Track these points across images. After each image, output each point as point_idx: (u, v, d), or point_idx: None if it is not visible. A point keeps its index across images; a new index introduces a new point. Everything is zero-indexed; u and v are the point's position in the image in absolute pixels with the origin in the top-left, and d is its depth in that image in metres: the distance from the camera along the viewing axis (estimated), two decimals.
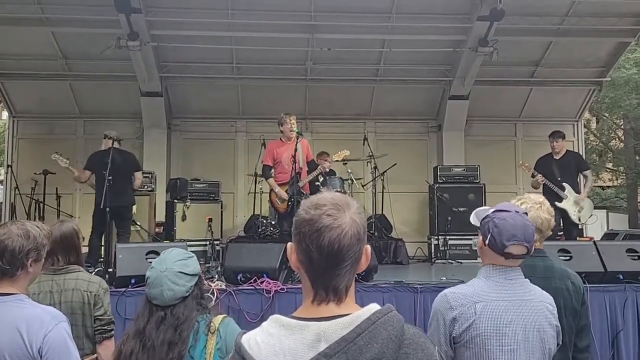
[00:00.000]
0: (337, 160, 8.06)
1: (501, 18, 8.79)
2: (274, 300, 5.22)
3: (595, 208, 8.90)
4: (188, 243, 6.42)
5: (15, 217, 9.62)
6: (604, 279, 5.44)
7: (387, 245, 8.77)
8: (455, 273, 6.84)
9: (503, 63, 9.97)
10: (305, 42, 9.83)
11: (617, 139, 22.56)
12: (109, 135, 7.39)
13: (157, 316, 2.45)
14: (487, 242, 2.45)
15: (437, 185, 9.49)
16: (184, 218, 9.05)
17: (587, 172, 8.36)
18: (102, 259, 7.16)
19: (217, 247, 9.05)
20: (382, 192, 9.47)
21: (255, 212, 9.47)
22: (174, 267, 2.50)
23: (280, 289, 5.26)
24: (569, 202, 7.92)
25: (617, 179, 23.62)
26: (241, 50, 10.16)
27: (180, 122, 11.20)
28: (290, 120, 7.75)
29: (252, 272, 5.43)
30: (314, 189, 7.87)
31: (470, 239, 8.73)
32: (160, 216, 9.53)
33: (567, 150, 8.49)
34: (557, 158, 8.18)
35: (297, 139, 7.70)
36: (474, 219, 2.60)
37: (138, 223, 8.66)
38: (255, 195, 9.42)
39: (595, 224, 9.53)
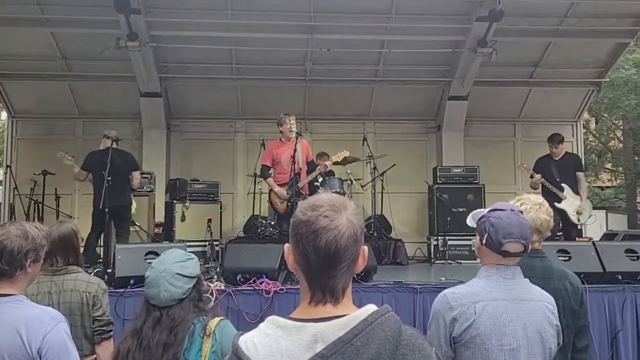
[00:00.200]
0: (336, 162, 8.07)
1: (500, 19, 8.80)
2: (273, 301, 5.22)
3: (594, 208, 8.92)
4: (187, 243, 6.41)
5: (14, 218, 9.62)
6: (603, 279, 5.44)
7: (387, 246, 8.78)
8: (454, 273, 6.85)
9: (502, 64, 9.98)
10: (304, 42, 9.83)
11: (616, 139, 22.59)
12: (108, 135, 7.36)
13: (153, 316, 2.46)
14: (484, 241, 2.45)
15: (437, 186, 9.49)
16: (183, 218, 9.05)
17: (580, 174, 8.30)
18: (101, 260, 7.17)
19: (217, 248, 9.06)
20: (382, 192, 9.47)
21: (255, 213, 9.47)
22: (172, 268, 2.51)
23: (279, 290, 5.25)
24: (567, 203, 7.93)
25: (616, 180, 23.64)
26: (240, 51, 10.16)
27: (180, 123, 11.20)
28: (290, 120, 7.75)
29: (252, 272, 5.43)
30: (314, 190, 7.87)
31: (470, 240, 8.73)
32: (160, 217, 9.54)
33: (566, 151, 8.50)
34: (556, 159, 8.19)
35: (297, 139, 7.70)
36: (470, 221, 2.61)
37: (137, 224, 8.66)
38: (254, 195, 9.43)
39: (594, 225, 9.53)
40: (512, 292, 2.41)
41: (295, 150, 7.53)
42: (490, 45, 9.36)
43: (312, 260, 1.40)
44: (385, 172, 9.37)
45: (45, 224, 2.81)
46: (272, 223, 8.91)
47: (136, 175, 7.54)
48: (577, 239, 7.90)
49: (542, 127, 10.65)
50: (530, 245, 2.49)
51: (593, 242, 6.06)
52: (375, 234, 8.95)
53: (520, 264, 2.49)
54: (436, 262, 8.95)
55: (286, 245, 1.48)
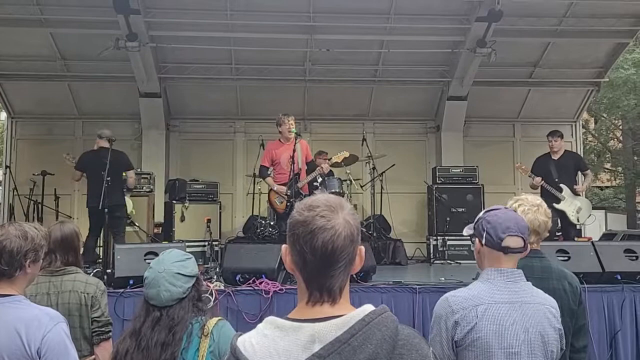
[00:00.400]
0: (336, 162, 8.08)
1: (499, 19, 8.82)
2: (273, 301, 5.22)
3: (593, 208, 8.92)
4: (187, 244, 6.41)
5: (14, 218, 9.62)
6: (602, 279, 5.44)
7: (386, 246, 8.78)
8: (453, 273, 6.86)
9: (501, 64, 9.99)
10: (304, 43, 9.84)
11: (615, 139, 22.58)
12: (101, 135, 7.44)
13: (153, 316, 2.46)
14: (483, 240, 2.46)
15: (436, 186, 9.50)
16: (182, 219, 9.05)
17: (587, 172, 8.41)
18: (100, 260, 7.19)
19: (216, 248, 9.07)
20: (381, 192, 9.46)
21: (254, 213, 9.48)
22: (171, 268, 2.51)
23: (278, 290, 5.25)
24: (566, 204, 7.93)
25: (615, 180, 23.64)
26: (240, 51, 10.17)
27: (179, 123, 11.20)
28: (289, 121, 7.76)
29: (251, 272, 5.44)
30: (313, 190, 7.87)
31: (469, 240, 8.67)
32: (159, 217, 9.54)
33: (565, 150, 8.48)
34: (556, 158, 8.16)
35: (296, 139, 7.71)
36: (467, 231, 2.62)
37: (136, 224, 8.67)
38: (253, 196, 9.43)
39: (593, 225, 9.53)
40: (514, 295, 2.40)
41: (294, 151, 7.53)
42: (489, 45, 9.37)
43: (309, 260, 1.40)
44: (384, 172, 9.37)
45: (45, 225, 2.81)
46: (272, 223, 8.91)
47: (130, 174, 7.50)
48: (576, 239, 7.90)
49: (541, 127, 10.64)
50: (528, 244, 2.49)
51: (592, 242, 6.06)
52: (374, 234, 8.95)
53: (519, 264, 2.50)
54: (435, 262, 8.96)
55: (284, 245, 1.48)
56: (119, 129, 10.22)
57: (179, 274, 2.50)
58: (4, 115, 13.91)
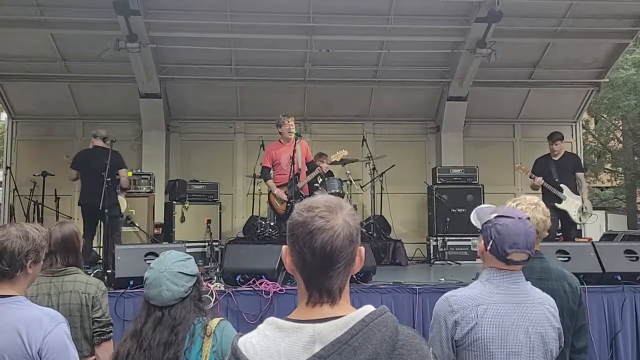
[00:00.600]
0: (335, 161, 8.09)
1: (499, 20, 8.81)
2: (273, 302, 5.22)
3: (594, 209, 8.91)
4: (187, 244, 6.42)
5: (14, 219, 9.63)
6: (602, 280, 5.45)
7: (386, 246, 8.78)
8: (454, 274, 6.86)
9: (501, 64, 9.99)
10: (303, 43, 9.84)
11: (615, 139, 22.58)
12: (96, 134, 7.61)
13: (154, 317, 2.46)
14: (488, 248, 2.45)
15: (436, 187, 9.50)
16: (182, 219, 9.06)
17: (580, 175, 8.30)
18: (100, 260, 7.20)
19: (216, 249, 9.08)
20: (381, 193, 9.47)
21: (254, 214, 9.49)
22: (173, 267, 2.51)
23: (279, 290, 5.26)
24: (567, 203, 7.94)
25: (615, 180, 23.63)
26: (240, 52, 10.17)
27: (179, 124, 11.21)
28: (289, 121, 7.78)
29: (251, 273, 5.44)
30: (313, 190, 7.88)
31: (469, 240, 8.74)
32: (159, 217, 9.54)
33: (566, 151, 8.50)
34: (556, 159, 8.19)
35: (296, 140, 7.73)
36: (474, 219, 2.60)
37: (137, 224, 8.67)
38: (254, 196, 9.44)
39: (594, 225, 9.54)
40: (514, 295, 2.42)
41: (294, 151, 7.55)
42: (489, 46, 9.37)
43: (308, 261, 1.41)
44: (384, 172, 9.37)
45: (45, 225, 2.82)
46: (272, 224, 8.92)
47: (122, 173, 7.50)
48: (576, 239, 7.91)
49: (541, 128, 10.66)
50: (533, 252, 2.50)
51: (592, 242, 6.06)
52: (374, 235, 8.94)
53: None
54: (435, 262, 8.96)
55: (284, 246, 1.49)
56: (119, 129, 10.28)
57: (180, 273, 2.51)
58: (4, 116, 13.92)
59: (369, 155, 9.32)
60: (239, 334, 1.47)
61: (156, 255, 4.11)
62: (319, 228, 1.40)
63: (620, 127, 21.46)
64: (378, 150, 10.04)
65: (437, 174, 9.73)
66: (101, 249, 7.45)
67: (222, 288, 5.38)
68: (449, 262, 8.86)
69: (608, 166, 22.96)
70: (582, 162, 9.22)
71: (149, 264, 2.70)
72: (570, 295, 2.84)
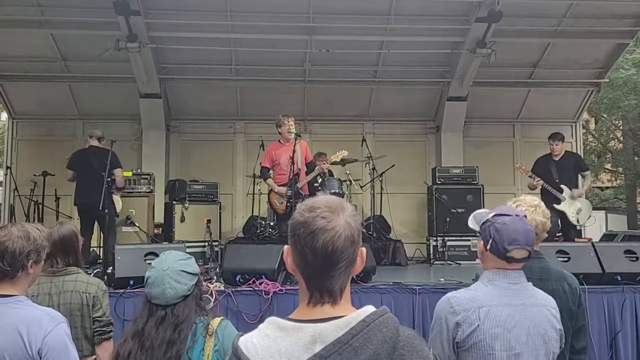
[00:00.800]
0: (335, 161, 8.10)
1: (499, 20, 8.81)
2: (273, 302, 5.23)
3: (594, 209, 8.93)
4: (187, 244, 6.43)
5: (14, 219, 9.64)
6: (602, 280, 5.45)
7: (386, 247, 8.77)
8: (453, 274, 6.86)
9: (501, 64, 9.98)
10: (303, 43, 9.83)
11: (615, 139, 22.58)
12: (92, 134, 7.73)
13: (157, 316, 2.46)
14: (488, 247, 2.45)
15: (436, 187, 9.50)
16: (182, 219, 9.06)
17: (587, 173, 8.40)
18: (100, 260, 7.21)
19: (216, 249, 9.09)
20: (381, 193, 9.48)
21: (254, 214, 9.48)
22: (175, 266, 2.52)
23: (278, 290, 5.26)
24: (566, 204, 7.94)
25: (615, 180, 23.64)
26: (240, 52, 10.17)
27: (179, 124, 11.21)
28: (288, 122, 7.79)
29: (251, 273, 5.45)
30: (313, 190, 7.89)
31: (469, 240, 8.75)
32: (159, 217, 9.54)
33: (566, 151, 8.50)
34: (557, 159, 8.19)
35: (296, 140, 7.73)
36: (472, 223, 2.60)
37: (137, 224, 8.68)
38: (253, 196, 9.45)
39: (594, 225, 9.54)
40: (516, 297, 2.41)
41: (294, 151, 7.55)
42: (489, 46, 9.37)
43: (309, 261, 1.42)
44: (384, 172, 9.38)
45: (45, 225, 2.82)
46: (272, 224, 8.92)
47: (117, 172, 7.48)
48: (576, 239, 7.91)
49: (541, 128, 10.67)
50: (533, 250, 2.50)
51: (592, 243, 6.06)
52: (374, 235, 8.95)
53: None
54: (435, 262, 8.95)
55: (285, 246, 1.50)
56: (119, 129, 10.30)
57: (183, 271, 2.52)
58: (4, 116, 13.93)
59: (369, 155, 9.33)
60: (239, 334, 1.47)
61: (156, 255, 4.11)
62: (320, 228, 1.41)
63: (621, 127, 21.46)
64: (378, 150, 10.04)
65: (437, 174, 9.73)
66: (101, 249, 7.46)
67: (222, 288, 5.39)
68: (448, 262, 8.86)
69: (608, 166, 22.97)
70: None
71: (149, 263, 2.71)
72: (569, 296, 2.84)
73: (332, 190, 8.05)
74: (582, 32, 9.97)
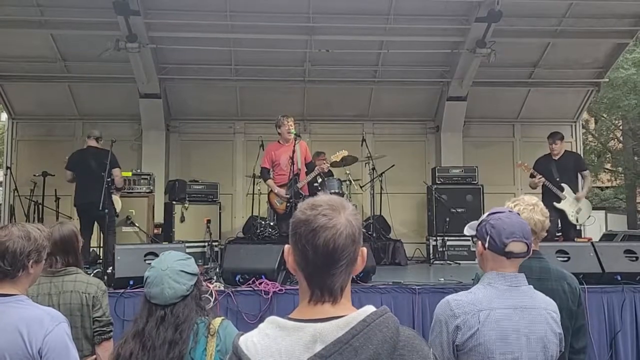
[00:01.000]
0: (335, 162, 8.10)
1: (499, 19, 8.81)
2: (272, 302, 5.23)
3: (593, 209, 8.93)
4: (186, 244, 6.43)
5: (14, 219, 9.64)
6: (602, 280, 5.45)
7: (386, 246, 8.78)
8: (453, 274, 6.86)
9: (501, 64, 9.99)
10: (303, 43, 9.84)
11: (615, 139, 22.58)
12: (90, 135, 7.75)
13: (156, 316, 2.46)
14: (486, 244, 2.44)
15: (436, 187, 9.50)
16: (182, 219, 9.06)
17: (586, 173, 8.39)
18: (100, 260, 7.22)
19: (216, 249, 9.09)
20: (381, 193, 9.48)
21: (254, 214, 9.48)
22: (175, 266, 2.52)
23: (278, 290, 5.27)
24: (567, 203, 7.95)
25: (615, 180, 23.64)
26: (240, 52, 10.17)
27: (179, 124, 11.21)
28: (288, 122, 7.79)
29: (251, 273, 5.45)
30: (313, 190, 7.90)
31: (469, 240, 8.74)
32: (159, 218, 9.55)
33: (566, 150, 8.51)
34: (556, 159, 8.20)
35: (295, 140, 7.74)
36: (467, 230, 2.61)
37: (136, 224, 8.68)
38: (253, 196, 9.44)
39: (593, 225, 9.54)
40: (516, 300, 2.40)
41: (293, 152, 7.56)
42: (489, 45, 9.37)
43: (310, 259, 1.42)
44: (384, 172, 9.38)
45: (45, 225, 2.82)
46: (271, 224, 8.93)
47: (116, 172, 7.47)
48: (576, 239, 7.91)
49: (541, 128, 10.66)
50: (532, 246, 2.50)
51: (592, 242, 6.06)
52: (374, 235, 8.95)
53: (518, 265, 2.50)
54: (435, 262, 8.95)
55: (286, 246, 1.50)
56: (119, 129, 10.31)
57: (182, 271, 2.52)
58: (4, 116, 13.93)
59: (369, 155, 9.33)
60: (239, 333, 1.47)
61: (156, 255, 4.12)
62: (321, 226, 1.41)
63: (620, 127, 21.46)
64: (378, 150, 10.05)
65: (437, 174, 9.73)
66: (100, 249, 7.46)
67: (222, 288, 5.39)
68: (448, 262, 8.86)
69: (608, 166, 22.97)
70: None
71: (149, 264, 2.71)
72: (569, 296, 2.84)
73: (332, 190, 8.06)
74: (582, 32, 9.97)
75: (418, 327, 5.14)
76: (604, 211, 21.62)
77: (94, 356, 3.33)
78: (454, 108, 10.76)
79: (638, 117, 18.67)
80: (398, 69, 10.56)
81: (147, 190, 9.23)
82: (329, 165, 8.09)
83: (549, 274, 2.86)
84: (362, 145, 9.62)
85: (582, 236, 9.15)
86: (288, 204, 7.64)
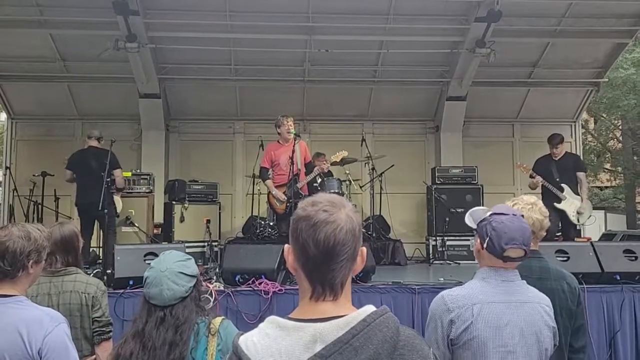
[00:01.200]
0: (335, 162, 8.10)
1: (498, 19, 8.81)
2: (272, 302, 5.23)
3: (593, 209, 8.92)
4: (186, 244, 6.43)
5: (14, 219, 9.63)
6: (601, 279, 5.45)
7: (385, 246, 8.78)
8: (453, 274, 6.86)
9: (500, 64, 9.98)
10: (303, 43, 9.84)
11: (615, 139, 22.57)
12: (90, 135, 7.77)
13: (156, 316, 2.45)
14: (485, 245, 2.46)
15: (435, 186, 9.50)
16: (182, 219, 9.06)
17: (581, 175, 8.28)
18: (100, 260, 7.22)
19: (215, 249, 9.08)
20: (380, 193, 9.48)
21: (254, 214, 9.48)
22: (174, 267, 2.51)
23: (278, 290, 5.27)
24: (567, 203, 7.95)
25: (615, 180, 23.63)
26: (239, 52, 10.17)
27: (179, 124, 11.21)
28: (288, 122, 7.79)
29: (250, 273, 5.45)
30: (313, 190, 7.90)
31: (468, 240, 8.74)
32: (159, 218, 9.54)
33: (566, 151, 8.52)
34: (557, 159, 8.21)
35: (295, 140, 7.74)
36: (469, 220, 2.60)
37: (136, 224, 8.68)
38: (253, 196, 9.44)
39: (593, 225, 9.54)
40: (509, 294, 2.42)
41: (293, 152, 7.56)
42: (488, 45, 9.37)
43: (311, 254, 1.42)
44: (383, 172, 9.39)
45: (45, 225, 2.82)
46: (271, 224, 8.92)
47: (117, 173, 7.52)
48: (575, 239, 7.91)
49: (540, 128, 10.67)
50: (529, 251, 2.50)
51: (591, 242, 6.06)
52: (373, 235, 8.95)
53: (517, 265, 2.50)
54: (435, 262, 8.96)
55: (286, 245, 1.50)
56: (119, 129, 10.30)
57: (181, 273, 2.51)
58: (3, 116, 13.92)
59: (368, 155, 9.33)
60: (239, 333, 1.47)
61: (156, 255, 4.11)
62: (322, 221, 1.42)
63: (620, 127, 21.45)
64: (377, 150, 10.05)
65: (437, 174, 9.74)
66: (100, 249, 7.47)
67: (222, 288, 5.39)
68: (448, 262, 8.86)
69: (607, 166, 22.96)
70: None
71: (149, 264, 2.71)
72: (568, 295, 2.85)
73: (332, 190, 8.04)
74: (582, 32, 9.97)
75: (418, 327, 5.14)
76: (603, 211, 21.59)
77: (94, 356, 3.33)
78: (453, 108, 10.76)
79: (637, 117, 18.66)
80: (398, 68, 10.57)
81: (147, 190, 9.23)
82: (329, 165, 8.09)
83: (549, 273, 2.87)
84: (361, 145, 9.62)
85: (582, 236, 9.15)
86: (288, 204, 7.64)
